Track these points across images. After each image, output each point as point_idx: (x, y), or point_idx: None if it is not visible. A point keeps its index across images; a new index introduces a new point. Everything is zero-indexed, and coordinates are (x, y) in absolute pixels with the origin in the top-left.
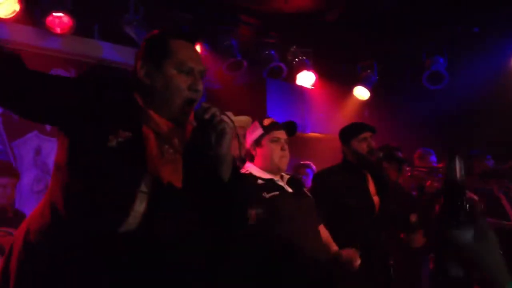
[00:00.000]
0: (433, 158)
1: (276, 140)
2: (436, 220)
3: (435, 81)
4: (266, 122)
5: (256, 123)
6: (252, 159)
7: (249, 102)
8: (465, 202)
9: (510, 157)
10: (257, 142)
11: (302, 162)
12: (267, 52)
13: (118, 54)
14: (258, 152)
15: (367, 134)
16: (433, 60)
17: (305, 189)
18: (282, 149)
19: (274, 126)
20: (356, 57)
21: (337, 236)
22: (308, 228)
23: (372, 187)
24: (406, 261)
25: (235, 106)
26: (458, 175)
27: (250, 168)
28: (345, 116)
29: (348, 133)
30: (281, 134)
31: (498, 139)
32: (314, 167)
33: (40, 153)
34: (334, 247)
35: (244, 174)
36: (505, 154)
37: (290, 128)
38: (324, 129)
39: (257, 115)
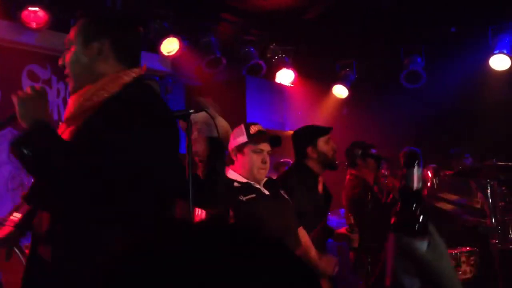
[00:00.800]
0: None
1: (259, 152)
2: (392, 228)
3: (413, 80)
4: (253, 130)
5: (242, 128)
6: (231, 163)
7: (228, 99)
8: (420, 212)
9: (487, 156)
10: (239, 149)
11: (282, 160)
12: (246, 49)
13: None
14: (239, 159)
15: (329, 135)
16: (411, 59)
17: (282, 192)
18: (263, 161)
19: (260, 137)
20: (335, 56)
21: None
22: (286, 230)
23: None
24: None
25: (214, 103)
26: (415, 183)
27: (228, 171)
28: (324, 114)
29: (315, 133)
30: (265, 146)
31: (476, 137)
32: None
33: None
34: (313, 252)
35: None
36: (482, 152)
37: (275, 141)
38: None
39: (237, 112)
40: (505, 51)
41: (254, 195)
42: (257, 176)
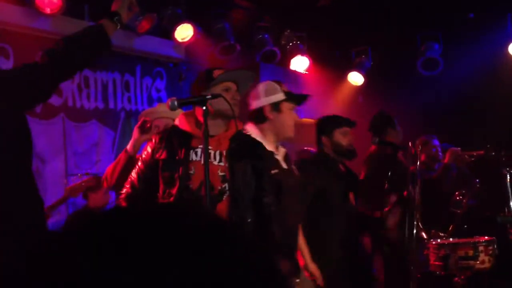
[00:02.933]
0: (436, 142)
1: (295, 110)
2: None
3: (430, 68)
4: (284, 87)
5: (272, 84)
6: (263, 121)
7: None
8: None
9: (504, 144)
10: (276, 107)
11: (305, 148)
12: (260, 36)
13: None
14: (275, 117)
15: (348, 129)
16: (428, 46)
17: (293, 167)
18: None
19: (293, 96)
20: (351, 43)
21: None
22: (296, 207)
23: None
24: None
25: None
26: (417, 197)
27: (252, 132)
28: (339, 101)
29: (332, 124)
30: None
31: (493, 125)
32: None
33: None
34: (306, 253)
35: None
36: (498, 140)
37: (302, 100)
38: (318, 114)
39: None
40: None
41: (277, 170)
42: (291, 134)
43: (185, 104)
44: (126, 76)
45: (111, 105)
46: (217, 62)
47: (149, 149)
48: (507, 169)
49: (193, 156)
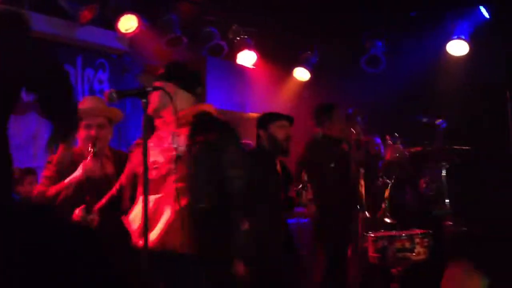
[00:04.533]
0: (378, 141)
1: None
2: None
3: (373, 65)
4: None
5: None
6: None
7: None
8: None
9: (444, 140)
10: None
11: (243, 142)
12: (207, 29)
13: (50, 26)
14: None
15: (285, 123)
16: (372, 43)
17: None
18: None
19: None
20: (297, 38)
21: None
22: None
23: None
24: None
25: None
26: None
27: None
28: (285, 96)
29: (268, 118)
30: None
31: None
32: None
33: None
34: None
35: None
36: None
37: None
38: (264, 109)
39: None
40: (463, 37)
41: None
42: None
43: (124, 96)
44: (66, 67)
45: None
46: (163, 54)
47: None
48: (443, 163)
49: None
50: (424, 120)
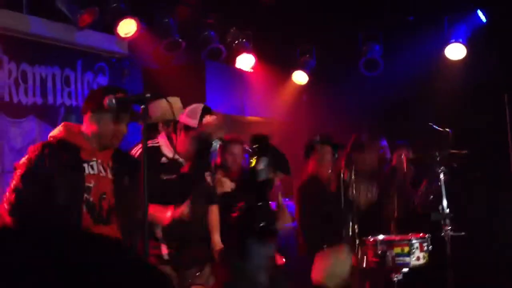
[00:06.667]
0: (384, 143)
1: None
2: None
3: (371, 68)
4: (206, 120)
5: (198, 113)
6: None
7: (187, 83)
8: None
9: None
10: (185, 129)
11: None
12: (206, 33)
13: (50, 30)
14: (179, 136)
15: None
16: (369, 47)
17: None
18: None
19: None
20: (296, 42)
21: None
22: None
23: None
24: None
25: (172, 88)
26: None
27: (161, 141)
28: (283, 100)
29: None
30: None
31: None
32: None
33: None
34: (217, 237)
35: None
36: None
37: None
38: (262, 112)
39: (195, 97)
40: (460, 41)
41: (174, 176)
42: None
43: (124, 102)
44: (66, 71)
45: (50, 100)
46: (162, 58)
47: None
48: (442, 168)
49: (89, 170)
50: (436, 127)
